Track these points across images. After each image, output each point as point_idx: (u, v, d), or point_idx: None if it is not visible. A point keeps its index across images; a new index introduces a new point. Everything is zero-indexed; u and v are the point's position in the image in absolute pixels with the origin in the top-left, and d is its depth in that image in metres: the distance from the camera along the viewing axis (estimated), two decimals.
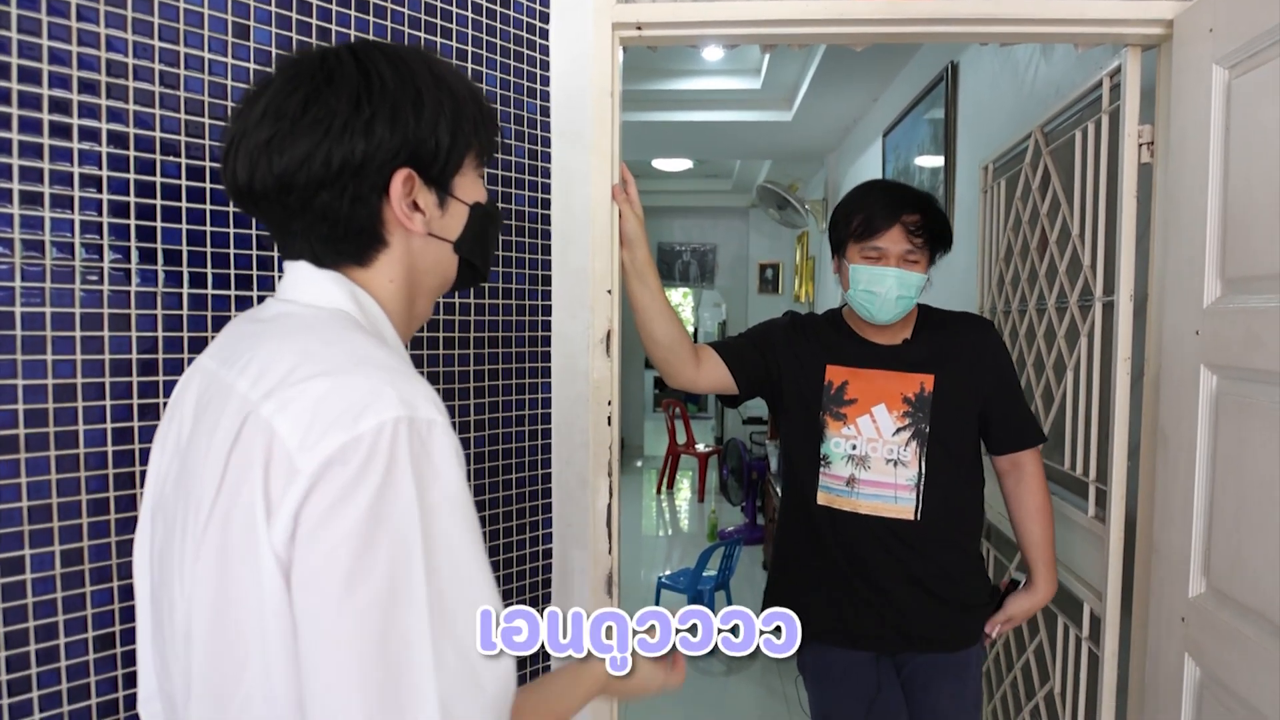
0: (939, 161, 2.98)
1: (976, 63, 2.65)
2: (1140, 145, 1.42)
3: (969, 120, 2.73)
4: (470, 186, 0.73)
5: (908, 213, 1.33)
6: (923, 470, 1.35)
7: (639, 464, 7.76)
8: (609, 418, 1.40)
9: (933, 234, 1.34)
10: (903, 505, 1.36)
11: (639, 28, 1.39)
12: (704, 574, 3.49)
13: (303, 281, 0.67)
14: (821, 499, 1.39)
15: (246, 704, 0.56)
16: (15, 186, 0.87)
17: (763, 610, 1.56)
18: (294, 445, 0.53)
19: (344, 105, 0.63)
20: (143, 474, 0.96)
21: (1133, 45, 1.41)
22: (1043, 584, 1.43)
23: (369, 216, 0.65)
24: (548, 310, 1.39)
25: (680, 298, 10.80)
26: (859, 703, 1.39)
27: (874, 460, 1.36)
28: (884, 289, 1.33)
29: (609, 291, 1.39)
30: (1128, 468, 1.45)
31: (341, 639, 0.52)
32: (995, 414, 1.42)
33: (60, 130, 0.90)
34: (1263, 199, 1.10)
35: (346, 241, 0.66)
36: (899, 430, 1.36)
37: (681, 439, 6.64)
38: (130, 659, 0.96)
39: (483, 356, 1.30)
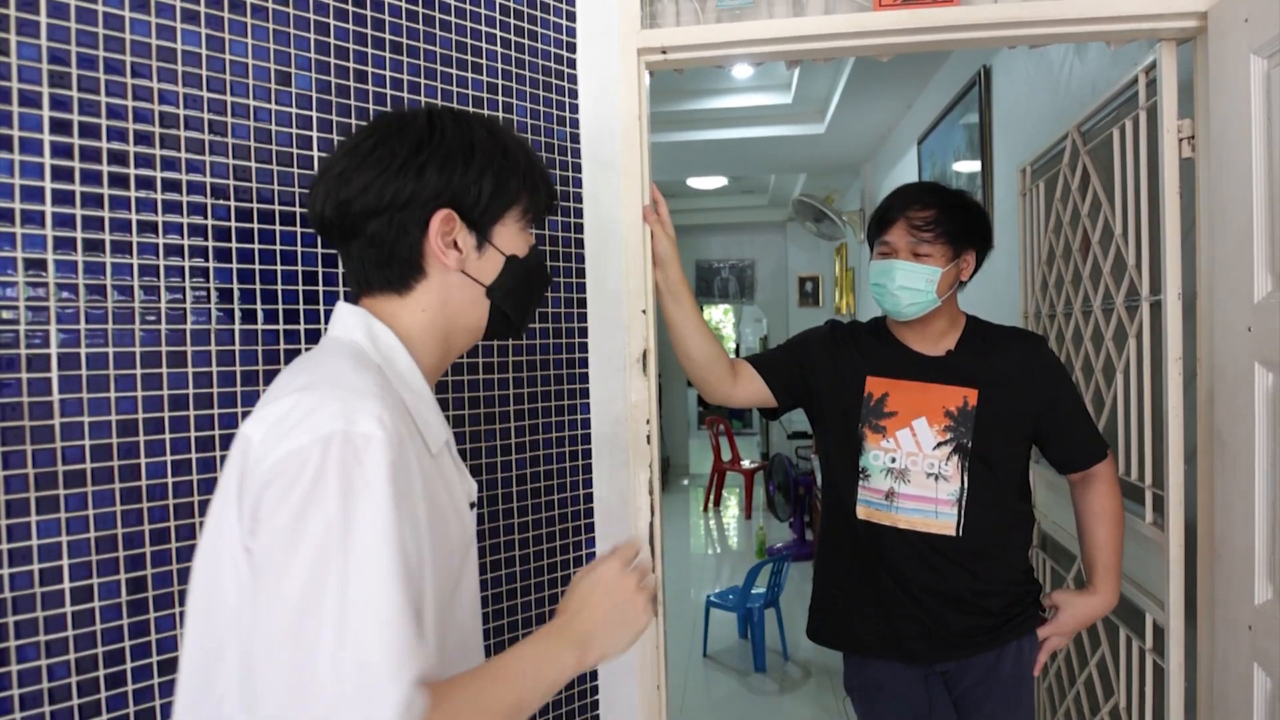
0: (976, 166, 2.94)
1: (1010, 65, 2.62)
2: (1180, 140, 1.39)
3: (1004, 123, 2.69)
4: (511, 239, 0.80)
5: (915, 208, 1.33)
6: (965, 485, 1.32)
7: (685, 482, 7.73)
8: (648, 436, 1.41)
9: (950, 228, 1.32)
10: (944, 520, 1.33)
11: (664, 51, 1.42)
12: (753, 591, 3.46)
13: (337, 317, 0.77)
14: (861, 513, 1.37)
15: (225, 694, 0.64)
16: (79, 235, 0.93)
17: (809, 625, 1.53)
18: (260, 453, 0.62)
19: (405, 150, 0.74)
20: (202, 504, 1.01)
21: (1167, 40, 1.39)
22: (1103, 589, 1.35)
23: (410, 247, 0.75)
24: (584, 332, 1.41)
25: (721, 314, 10.79)
26: None
27: (914, 474, 1.34)
28: (889, 280, 1.34)
29: (644, 311, 1.41)
30: (1185, 471, 1.40)
31: (271, 625, 0.58)
32: (1053, 434, 1.37)
33: (118, 180, 0.95)
34: None
35: (391, 268, 0.76)
36: (940, 444, 1.34)
37: (726, 456, 6.60)
38: None
39: (521, 380, 1.33)
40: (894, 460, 1.35)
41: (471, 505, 0.81)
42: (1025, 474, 1.41)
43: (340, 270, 1.13)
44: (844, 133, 4.31)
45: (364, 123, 1.15)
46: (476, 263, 0.78)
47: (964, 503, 1.32)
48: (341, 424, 0.60)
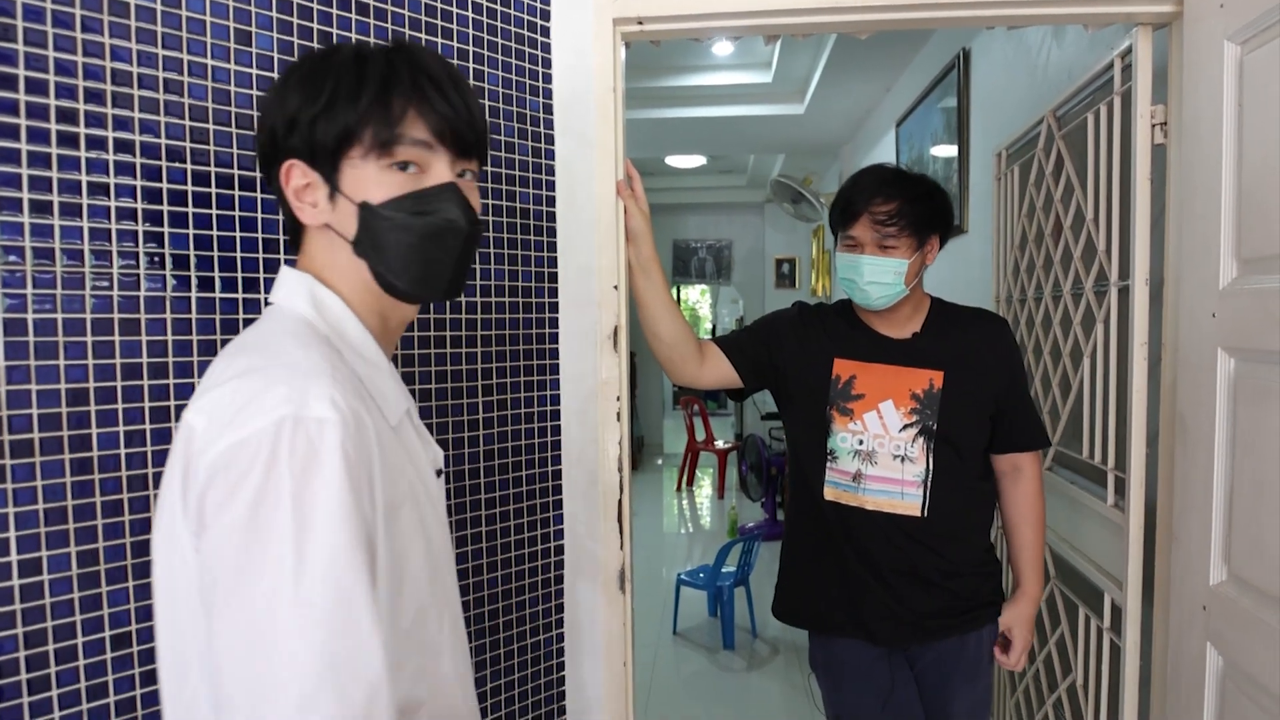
0: (953, 151, 2.94)
1: (988, 49, 2.61)
2: (1153, 126, 1.39)
3: (982, 107, 2.69)
4: (363, 182, 0.67)
5: (879, 201, 1.32)
6: (930, 467, 1.34)
7: (659, 462, 7.76)
8: (618, 413, 1.40)
9: (914, 219, 1.32)
10: (909, 501, 1.34)
11: (640, 22, 1.39)
12: (723, 570, 3.49)
13: (280, 282, 0.71)
14: (829, 494, 1.38)
15: (200, 676, 0.61)
16: (25, 195, 0.89)
17: (774, 604, 1.55)
18: (203, 443, 0.57)
19: (265, 102, 0.71)
20: (156, 476, 0.98)
21: (1143, 24, 1.39)
22: (1031, 587, 1.42)
23: (283, 201, 0.70)
24: (555, 308, 1.39)
25: (698, 295, 10.78)
26: (874, 699, 1.38)
27: (881, 456, 1.35)
28: (858, 276, 1.34)
29: (615, 287, 1.39)
30: (1147, 455, 1.42)
31: (230, 624, 0.55)
32: (1004, 414, 1.39)
33: (67, 140, 0.91)
34: (1278, 176, 1.08)
35: (288, 219, 0.72)
36: (906, 426, 1.35)
37: (701, 436, 6.62)
38: (146, 657, 0.98)
39: (490, 355, 1.31)
40: (861, 442, 1.36)
41: (439, 473, 0.78)
42: (987, 454, 1.42)
43: None
44: (823, 114, 4.29)
45: None
46: (332, 214, 0.68)
47: (929, 484, 1.33)
48: (291, 408, 0.56)
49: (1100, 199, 1.59)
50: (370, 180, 0.67)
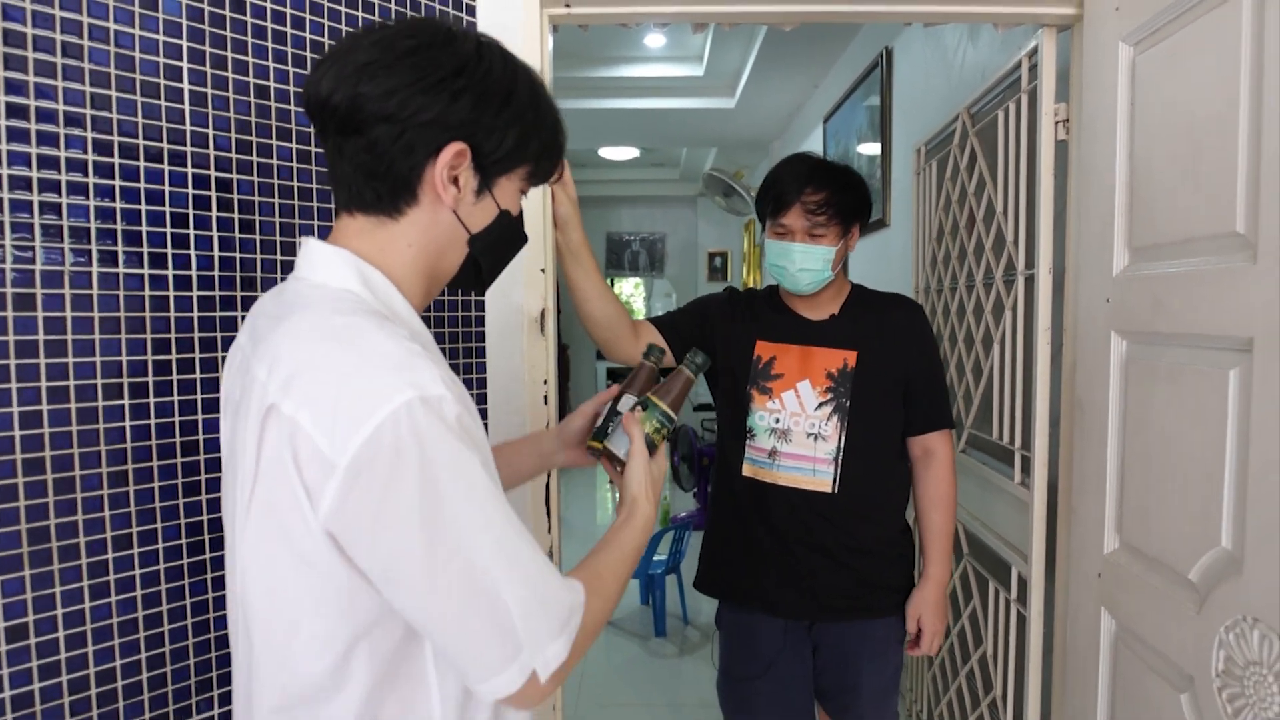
0: (877, 149, 3.03)
1: (910, 48, 2.70)
2: (1056, 123, 1.47)
3: (904, 105, 2.79)
4: (509, 194, 0.78)
5: (809, 190, 1.36)
6: (841, 444, 1.39)
7: None
8: (545, 396, 1.41)
9: (841, 209, 1.37)
10: (820, 478, 1.39)
11: (567, 4, 1.39)
12: (654, 558, 3.52)
13: (314, 259, 0.72)
14: (746, 470, 1.42)
15: (301, 656, 0.65)
16: None
17: (696, 576, 1.59)
18: (324, 443, 0.58)
19: (447, 67, 0.68)
20: (55, 459, 0.93)
21: (1048, 26, 1.46)
22: (936, 571, 1.46)
23: (411, 167, 0.70)
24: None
25: (632, 288, 10.80)
26: (759, 664, 1.44)
27: (795, 434, 1.39)
28: (789, 263, 1.38)
29: (542, 270, 1.39)
30: (1050, 434, 1.50)
31: (446, 601, 0.61)
32: (910, 394, 1.45)
33: None
34: (1164, 170, 1.16)
35: (383, 181, 0.70)
36: (821, 405, 1.39)
37: None
38: (46, 649, 0.93)
39: None
40: (778, 420, 1.40)
41: None
42: (903, 435, 1.48)
43: (214, 213, 1.06)
44: (754, 108, 4.36)
45: (236, 54, 1.08)
46: (470, 207, 0.74)
47: (840, 461, 1.38)
48: (415, 390, 0.59)
49: (1009, 192, 1.67)
50: (514, 195, 0.78)
